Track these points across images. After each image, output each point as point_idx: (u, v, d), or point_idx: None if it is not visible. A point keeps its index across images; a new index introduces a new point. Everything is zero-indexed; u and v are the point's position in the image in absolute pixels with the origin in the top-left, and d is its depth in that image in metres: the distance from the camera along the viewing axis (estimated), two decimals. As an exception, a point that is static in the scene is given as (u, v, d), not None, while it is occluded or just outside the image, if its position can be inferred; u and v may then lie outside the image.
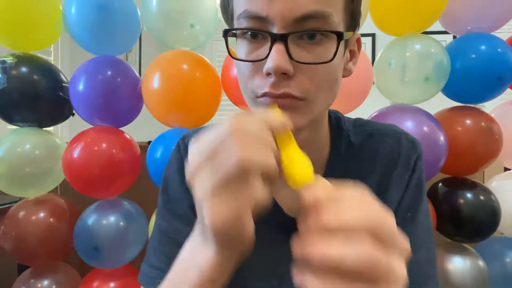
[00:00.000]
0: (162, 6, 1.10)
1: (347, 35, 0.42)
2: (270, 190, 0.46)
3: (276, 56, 0.38)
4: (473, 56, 1.07)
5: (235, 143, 0.28)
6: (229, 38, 0.44)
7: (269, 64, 0.39)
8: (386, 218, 0.27)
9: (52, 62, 1.50)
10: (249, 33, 0.41)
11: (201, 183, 0.30)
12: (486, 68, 1.05)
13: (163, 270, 0.49)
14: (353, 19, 0.44)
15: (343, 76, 0.47)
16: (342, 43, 0.41)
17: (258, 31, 0.40)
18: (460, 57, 1.08)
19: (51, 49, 2.36)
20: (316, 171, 0.49)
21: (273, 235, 0.50)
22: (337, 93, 0.46)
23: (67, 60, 2.48)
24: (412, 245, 0.47)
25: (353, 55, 0.49)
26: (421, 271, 0.48)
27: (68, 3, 1.10)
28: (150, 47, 2.56)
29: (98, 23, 1.09)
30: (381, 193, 0.50)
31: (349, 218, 0.26)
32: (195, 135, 0.55)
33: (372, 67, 1.14)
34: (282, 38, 0.39)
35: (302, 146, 0.47)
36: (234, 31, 0.43)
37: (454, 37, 1.80)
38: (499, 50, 1.05)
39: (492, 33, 1.11)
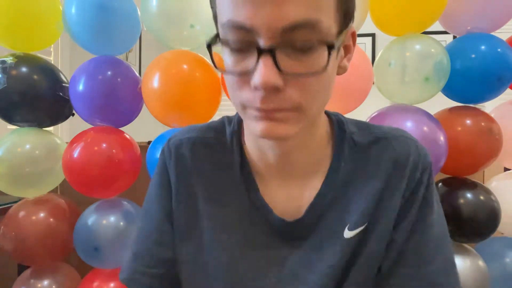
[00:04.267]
0: (162, 6, 1.10)
1: (339, 39, 0.40)
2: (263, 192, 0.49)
3: (263, 71, 0.36)
4: (473, 56, 1.06)
5: None
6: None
7: (256, 79, 0.36)
8: None
9: (52, 62, 1.50)
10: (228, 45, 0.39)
11: None
12: (486, 68, 1.05)
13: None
14: (347, 17, 0.41)
15: (338, 74, 0.45)
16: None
17: (243, 44, 0.37)
18: (460, 57, 1.08)
19: (51, 49, 2.36)
20: (318, 172, 0.50)
21: (264, 238, 0.50)
22: (331, 94, 0.44)
23: (67, 60, 2.48)
24: (425, 257, 0.48)
25: (348, 50, 0.46)
26: (437, 281, 0.47)
27: (68, 3, 1.10)
28: (150, 47, 2.56)
29: (98, 23, 1.09)
30: (385, 199, 0.49)
31: None
32: (181, 135, 0.55)
33: (372, 67, 1.14)
34: (269, 51, 0.36)
35: (296, 149, 0.48)
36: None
37: (454, 37, 1.80)
38: (499, 50, 1.05)
39: (492, 33, 1.11)
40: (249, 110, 0.40)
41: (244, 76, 0.39)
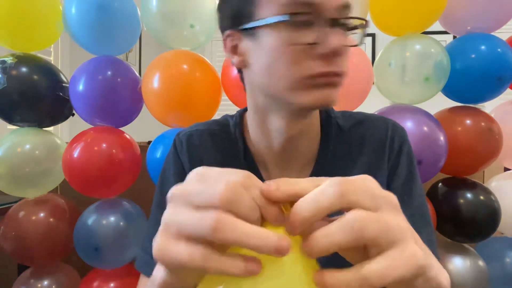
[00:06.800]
0: (162, 6, 1.10)
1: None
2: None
3: (340, 37, 0.43)
4: (473, 56, 1.06)
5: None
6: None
7: (333, 43, 0.43)
8: None
9: (52, 62, 1.50)
10: (294, 20, 0.43)
11: (172, 212, 0.27)
12: (486, 68, 1.05)
13: None
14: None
15: None
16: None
17: (305, 19, 0.43)
18: (460, 57, 1.08)
19: (51, 49, 2.36)
20: (308, 159, 0.55)
21: None
22: None
23: (67, 60, 2.48)
24: (414, 227, 0.49)
25: None
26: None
27: (68, 3, 1.10)
28: (150, 47, 2.56)
29: (98, 23, 1.09)
30: (373, 174, 0.52)
31: None
32: (190, 129, 0.60)
33: (372, 67, 1.14)
34: (338, 23, 0.44)
35: (300, 135, 0.52)
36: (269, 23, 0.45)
37: (454, 37, 1.80)
38: (499, 50, 1.05)
39: (492, 33, 1.11)
40: (309, 80, 0.44)
41: (306, 49, 0.44)
